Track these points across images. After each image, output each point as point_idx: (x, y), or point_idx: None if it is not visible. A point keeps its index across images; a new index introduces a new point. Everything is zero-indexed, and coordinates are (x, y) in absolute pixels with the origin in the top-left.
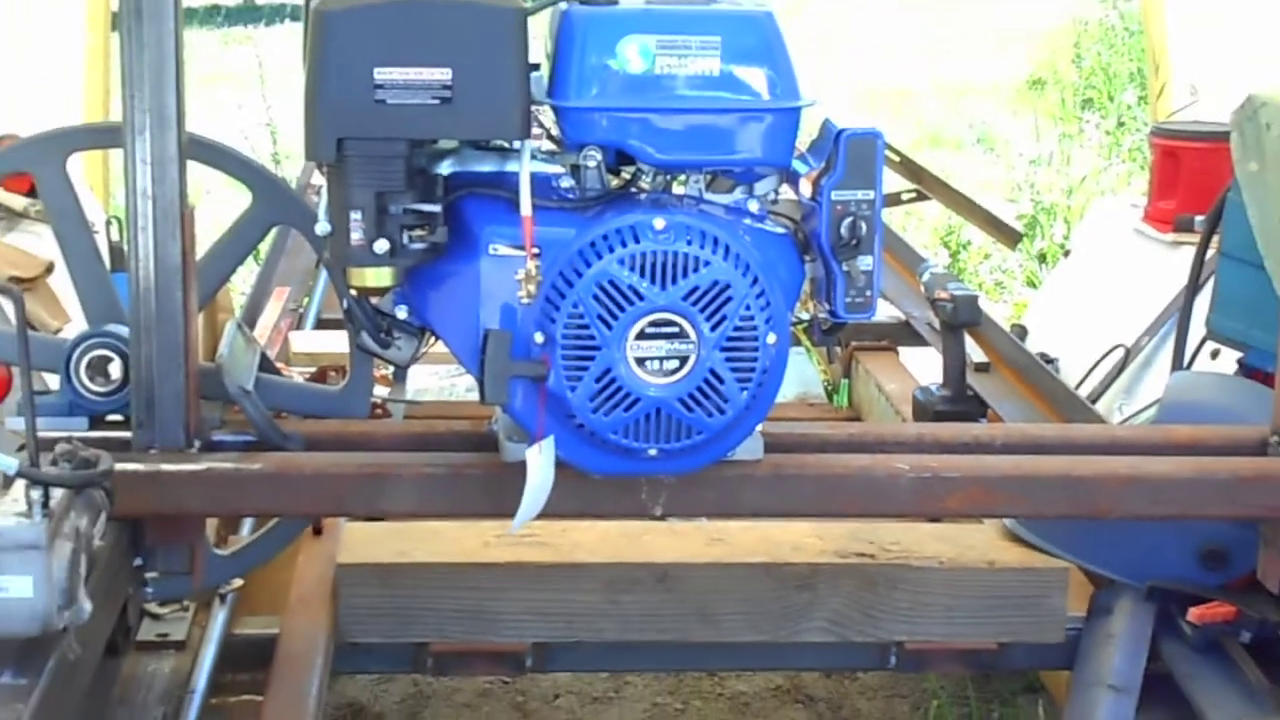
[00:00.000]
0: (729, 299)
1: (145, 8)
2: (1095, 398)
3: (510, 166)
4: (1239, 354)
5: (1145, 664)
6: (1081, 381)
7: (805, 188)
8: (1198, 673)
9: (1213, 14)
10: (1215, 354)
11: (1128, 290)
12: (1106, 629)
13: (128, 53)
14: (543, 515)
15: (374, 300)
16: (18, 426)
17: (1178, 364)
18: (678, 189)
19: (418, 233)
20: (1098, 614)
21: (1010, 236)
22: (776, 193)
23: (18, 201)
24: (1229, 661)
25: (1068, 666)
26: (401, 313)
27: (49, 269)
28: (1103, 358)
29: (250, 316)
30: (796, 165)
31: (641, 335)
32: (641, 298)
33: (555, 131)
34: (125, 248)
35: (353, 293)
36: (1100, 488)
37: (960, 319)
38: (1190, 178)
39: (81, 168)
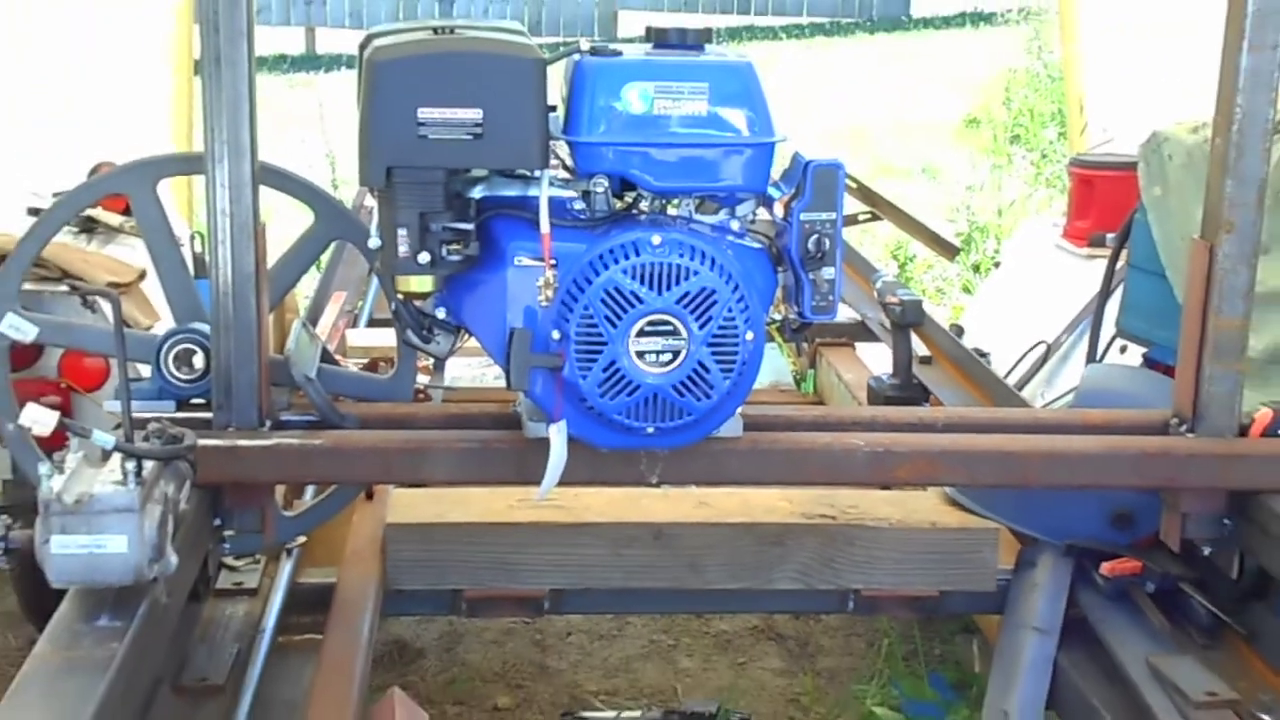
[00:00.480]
0: (714, 303)
1: (223, 56)
2: (1021, 386)
3: (532, 191)
4: (1144, 349)
5: (1064, 610)
6: (1009, 372)
7: (778, 210)
8: (1109, 617)
9: (1123, 63)
10: (1124, 349)
11: (1049, 296)
12: (1031, 580)
13: (208, 93)
14: (559, 483)
15: (417, 303)
16: (114, 409)
17: (1091, 357)
18: (672, 211)
19: (454, 247)
20: (1024, 567)
21: (949, 250)
22: (754, 214)
23: (115, 219)
24: (1136, 608)
25: (998, 611)
26: (440, 313)
27: (141, 275)
28: (1028, 352)
29: (313, 316)
30: (771, 191)
31: (641, 333)
32: (641, 301)
33: (569, 162)
34: (207, 258)
35: (400, 297)
36: (1026, 461)
37: (907, 319)
38: (1103, 201)
39: (169, 190)
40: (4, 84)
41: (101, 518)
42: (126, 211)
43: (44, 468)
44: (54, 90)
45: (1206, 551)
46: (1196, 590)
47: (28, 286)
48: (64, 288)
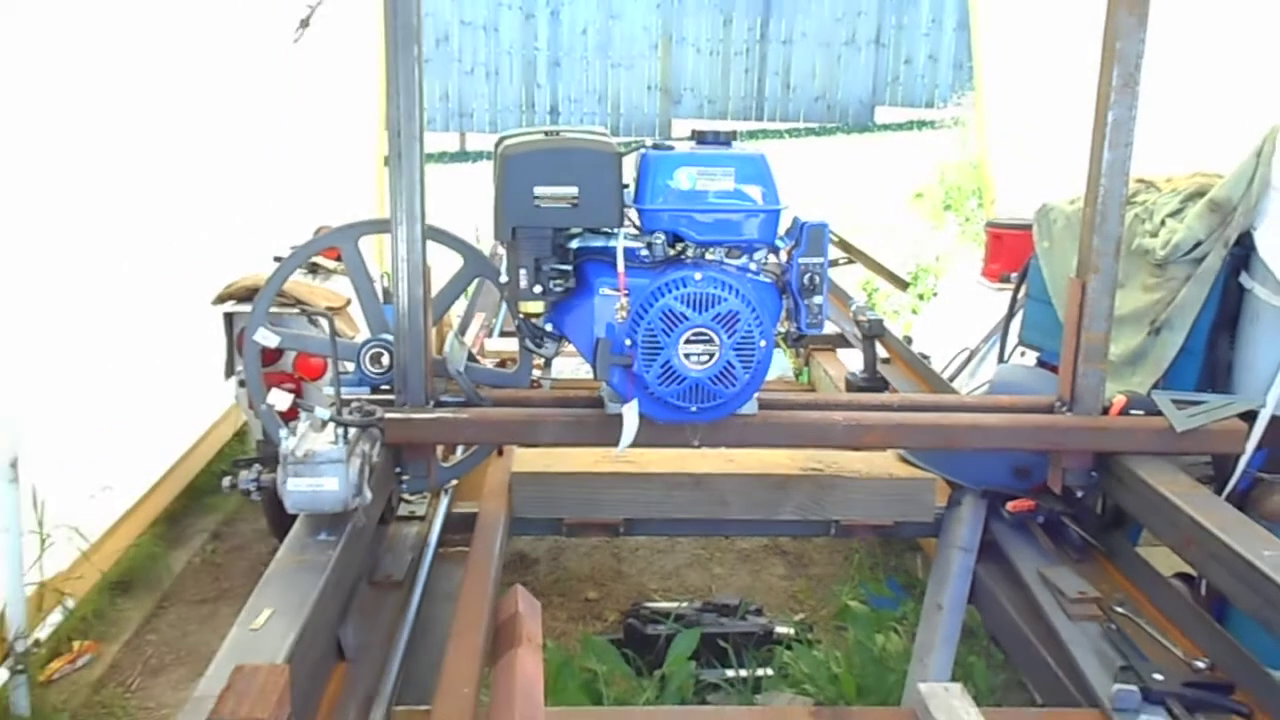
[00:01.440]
0: (739, 320)
1: (403, 152)
2: (952, 379)
3: (612, 243)
4: (1038, 354)
5: (981, 535)
6: (944, 369)
7: (783, 256)
8: (1011, 540)
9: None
10: (1024, 354)
11: (971, 316)
12: (958, 514)
13: (393, 177)
14: (630, 445)
15: (533, 320)
16: (329, 393)
17: (1001, 359)
18: (709, 256)
19: (558, 281)
20: (953, 505)
21: (901, 284)
22: (766, 258)
23: (331, 263)
24: (1030, 534)
25: (935, 535)
26: (548, 327)
27: (348, 302)
28: (957, 356)
29: (462, 329)
30: (778, 242)
31: (687, 341)
32: (688, 319)
33: (638, 223)
34: (391, 290)
35: (521, 316)
36: (955, 432)
37: (873, 332)
38: (1008, 251)
39: (367, 244)
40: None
41: (321, 466)
42: (338, 258)
43: (283, 432)
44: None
45: (1079, 494)
46: (1072, 521)
47: (273, 310)
48: (297, 310)
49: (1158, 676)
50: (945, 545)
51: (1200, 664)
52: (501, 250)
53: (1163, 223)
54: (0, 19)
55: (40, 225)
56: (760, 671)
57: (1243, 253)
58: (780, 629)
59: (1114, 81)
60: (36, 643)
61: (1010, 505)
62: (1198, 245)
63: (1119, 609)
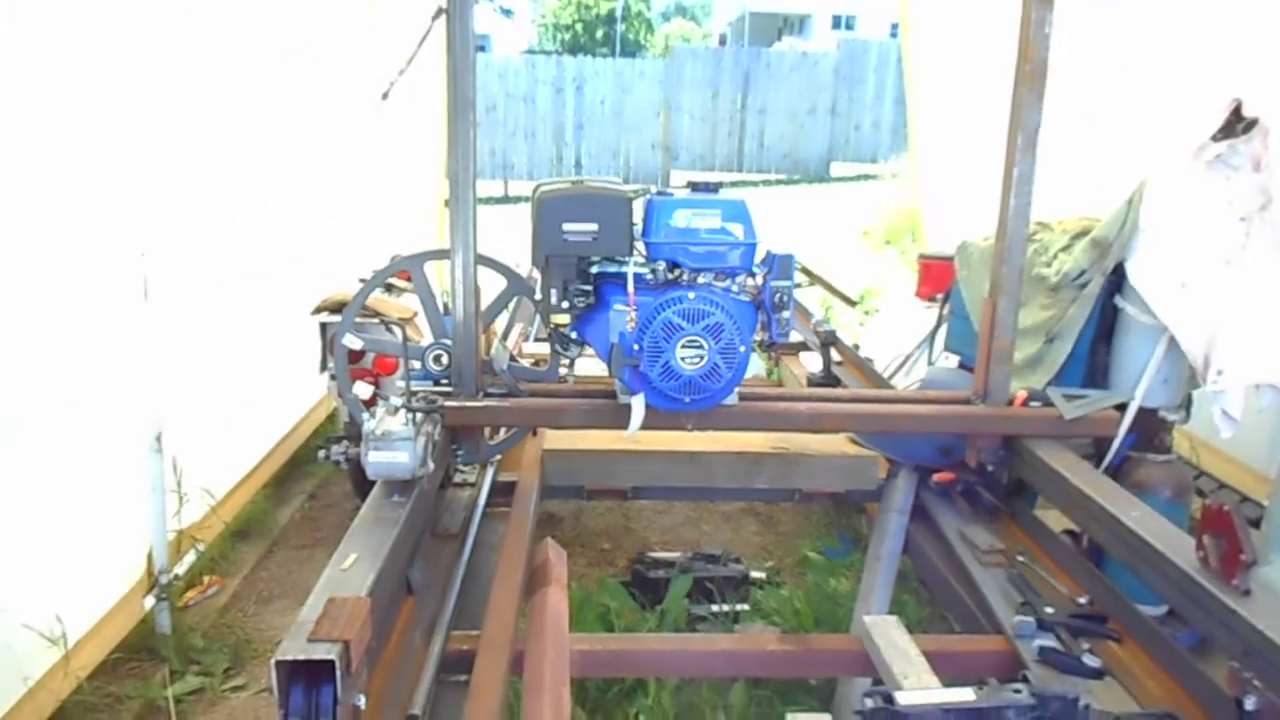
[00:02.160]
0: (723, 329)
1: (459, 196)
2: (891, 377)
3: (624, 269)
4: (959, 358)
5: (913, 500)
6: (885, 370)
7: (759, 279)
8: (937, 505)
9: (943, 201)
10: (948, 358)
11: (906, 328)
12: (895, 484)
13: (452, 215)
14: (639, 428)
15: (561, 329)
16: (401, 385)
17: (930, 362)
18: (700, 280)
19: (581, 299)
20: (891, 477)
21: (851, 302)
22: (745, 282)
23: (403, 283)
24: (951, 500)
25: (877, 501)
26: (574, 335)
27: (415, 314)
28: (895, 359)
29: (505, 336)
30: (755, 269)
31: (683, 346)
32: (683, 329)
33: (644, 253)
34: (450, 304)
35: (552, 325)
36: (893, 419)
37: (828, 340)
38: (936, 277)
39: (432, 269)
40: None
41: (395, 443)
42: (409, 279)
43: (365, 416)
44: (374, 214)
45: (990, 468)
46: (984, 490)
47: (357, 319)
48: (376, 320)
49: (1049, 610)
50: (885, 509)
51: (1083, 600)
52: (537, 274)
53: (1056, 256)
54: (180, 99)
55: (191, 263)
56: (739, 607)
57: (1117, 279)
58: (754, 574)
59: (1018, 144)
60: (176, 577)
61: (936, 477)
62: (1082, 274)
63: (1020, 558)
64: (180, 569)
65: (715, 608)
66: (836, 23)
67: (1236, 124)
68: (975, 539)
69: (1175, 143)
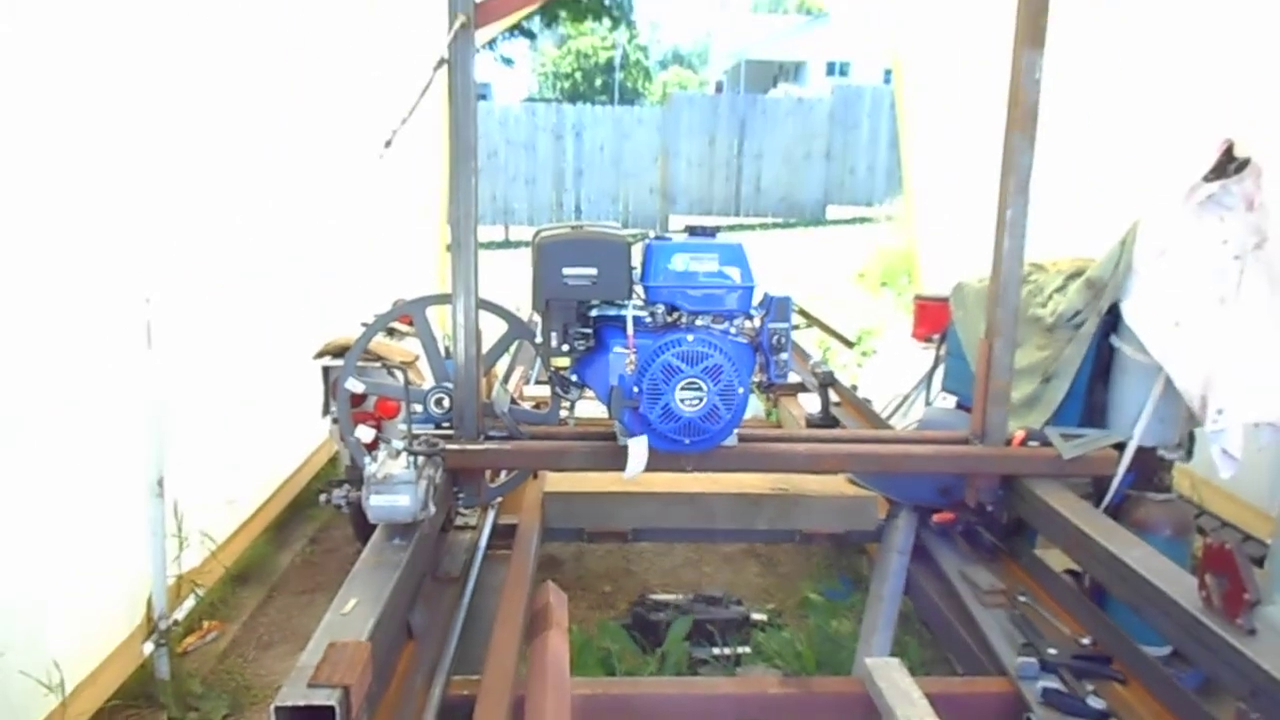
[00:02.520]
0: (722, 372)
1: (461, 241)
2: (889, 418)
3: (623, 312)
4: (956, 398)
5: (913, 540)
6: (883, 410)
7: (756, 322)
8: (937, 545)
9: (939, 244)
10: (945, 398)
11: (903, 369)
12: (895, 524)
13: (453, 260)
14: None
15: (561, 372)
16: (402, 429)
17: (928, 403)
18: (699, 322)
19: (581, 342)
20: (891, 517)
21: (848, 344)
22: (743, 324)
23: (405, 328)
24: (951, 539)
25: (877, 541)
26: (574, 378)
27: (417, 358)
28: (893, 400)
29: (506, 379)
30: (753, 312)
31: (682, 388)
32: (682, 371)
33: (643, 296)
34: (451, 348)
35: (552, 368)
36: (892, 459)
37: (826, 381)
38: (932, 318)
39: (434, 313)
40: (352, 258)
41: (396, 486)
42: (411, 323)
43: (367, 459)
44: (376, 259)
45: (989, 508)
46: (984, 529)
47: (359, 363)
48: (378, 364)
49: (1052, 651)
50: (885, 549)
51: (1085, 641)
52: (537, 318)
53: (1050, 296)
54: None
55: (195, 309)
56: (740, 649)
57: (1112, 319)
58: (756, 615)
59: (1011, 188)
60: (175, 622)
61: (936, 517)
62: (1078, 314)
63: (1021, 598)
64: (180, 614)
65: (717, 650)
66: (831, 69)
67: (1229, 164)
68: (976, 579)
69: (1167, 183)
